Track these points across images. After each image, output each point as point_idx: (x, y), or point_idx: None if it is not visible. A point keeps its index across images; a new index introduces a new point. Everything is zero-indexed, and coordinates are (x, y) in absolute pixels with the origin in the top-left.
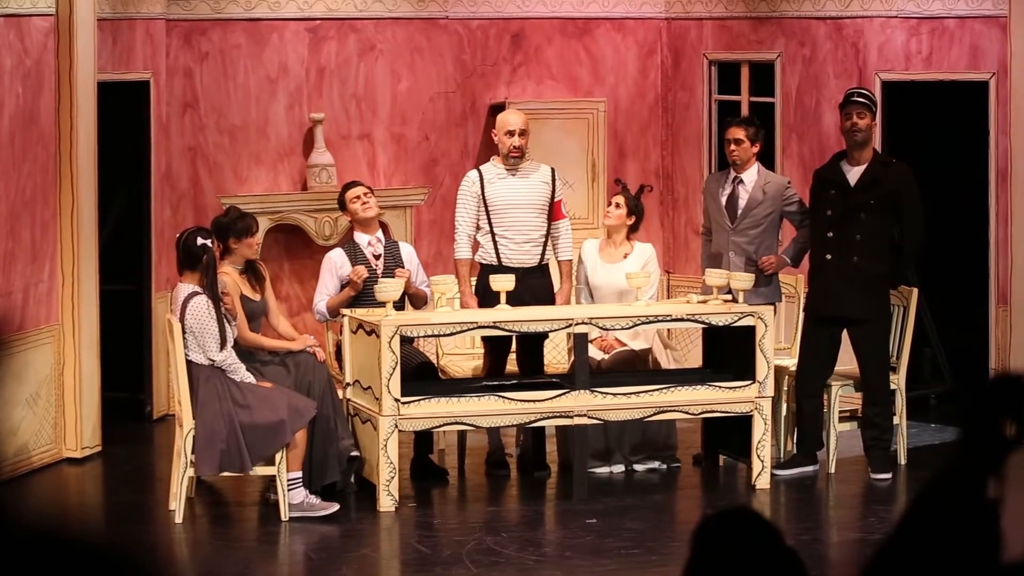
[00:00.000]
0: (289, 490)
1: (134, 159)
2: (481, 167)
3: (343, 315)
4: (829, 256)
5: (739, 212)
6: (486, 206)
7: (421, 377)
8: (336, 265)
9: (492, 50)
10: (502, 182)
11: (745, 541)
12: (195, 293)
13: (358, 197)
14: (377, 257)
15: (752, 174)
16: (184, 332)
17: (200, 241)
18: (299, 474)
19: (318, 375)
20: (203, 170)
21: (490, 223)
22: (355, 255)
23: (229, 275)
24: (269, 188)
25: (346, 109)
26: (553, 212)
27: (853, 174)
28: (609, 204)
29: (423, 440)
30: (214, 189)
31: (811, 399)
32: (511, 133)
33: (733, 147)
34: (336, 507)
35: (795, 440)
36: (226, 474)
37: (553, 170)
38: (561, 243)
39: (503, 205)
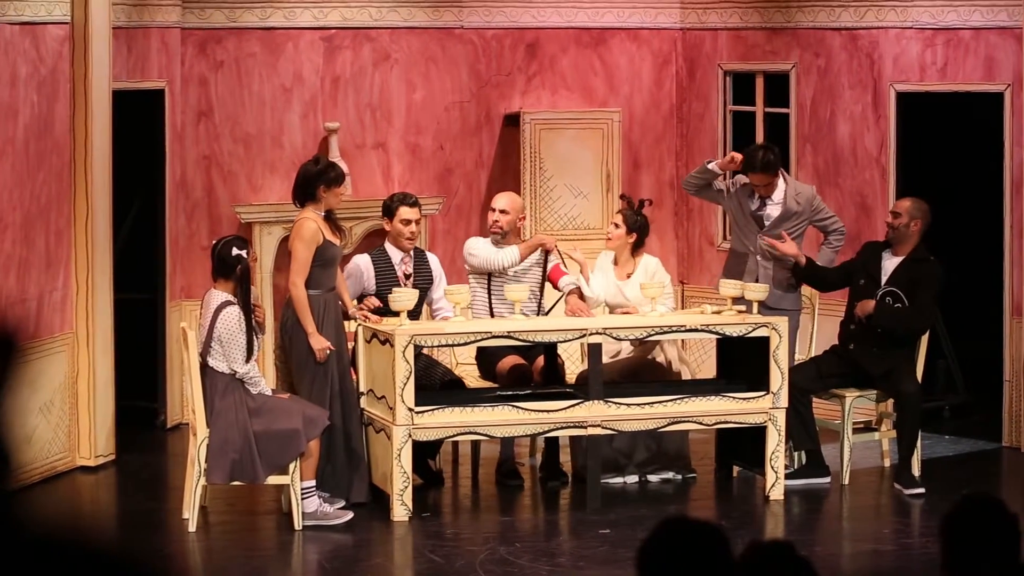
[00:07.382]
0: (303, 499)
1: (149, 167)
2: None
3: (358, 324)
4: (853, 327)
5: (766, 223)
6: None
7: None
8: (360, 271)
9: (507, 60)
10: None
11: (763, 551)
12: (228, 303)
13: (409, 222)
14: (408, 276)
15: (779, 190)
16: (211, 339)
17: (235, 251)
18: (313, 483)
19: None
20: (217, 179)
21: (489, 290)
22: (383, 267)
23: (313, 220)
24: (283, 197)
25: (361, 118)
26: (553, 273)
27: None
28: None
29: (424, 444)
30: (228, 198)
31: (803, 405)
32: (494, 210)
33: (762, 191)
34: (350, 516)
35: (793, 450)
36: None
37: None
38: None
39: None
